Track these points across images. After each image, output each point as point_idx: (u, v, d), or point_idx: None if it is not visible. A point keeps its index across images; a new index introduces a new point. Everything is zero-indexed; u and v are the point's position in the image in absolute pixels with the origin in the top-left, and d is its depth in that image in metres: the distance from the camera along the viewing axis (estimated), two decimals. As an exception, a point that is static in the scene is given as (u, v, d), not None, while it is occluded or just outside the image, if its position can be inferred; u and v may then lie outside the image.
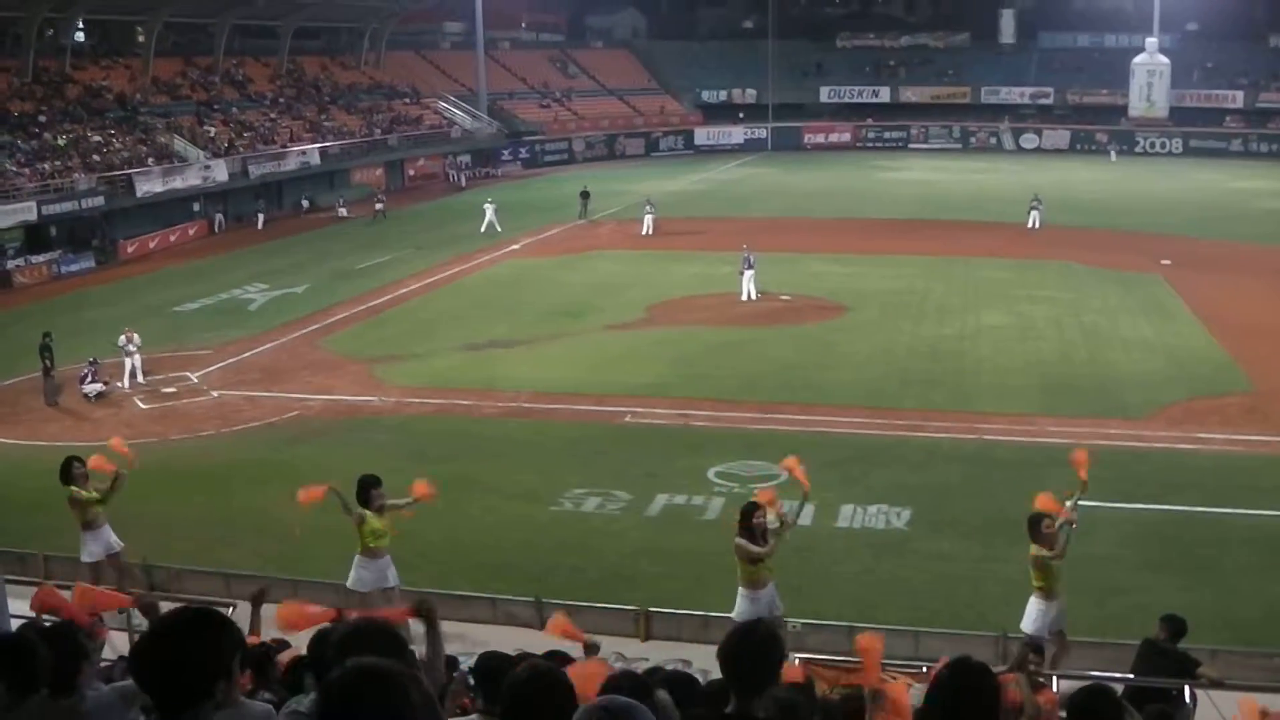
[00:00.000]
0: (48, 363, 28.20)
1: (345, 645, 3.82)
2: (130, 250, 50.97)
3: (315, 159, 66.03)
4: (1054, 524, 13.35)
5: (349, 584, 15.03)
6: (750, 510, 13.70)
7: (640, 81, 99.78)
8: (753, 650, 4.38)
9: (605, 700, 3.42)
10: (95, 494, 15.97)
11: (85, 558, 16.05)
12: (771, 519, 13.63)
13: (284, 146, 65.25)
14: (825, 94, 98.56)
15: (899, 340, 32.00)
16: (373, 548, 14.92)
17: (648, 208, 51.18)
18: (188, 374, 30.26)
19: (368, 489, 14.85)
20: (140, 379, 29.17)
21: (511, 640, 12.68)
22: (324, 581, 16.12)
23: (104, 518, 16.18)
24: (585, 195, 56.56)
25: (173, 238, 54.10)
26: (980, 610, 15.74)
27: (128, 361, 29.04)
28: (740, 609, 13.55)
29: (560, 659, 6.63)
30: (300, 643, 8.13)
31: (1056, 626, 13.50)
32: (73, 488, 15.92)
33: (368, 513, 14.78)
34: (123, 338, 29.22)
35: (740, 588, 13.70)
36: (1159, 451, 23.10)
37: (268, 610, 8.31)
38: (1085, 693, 6.73)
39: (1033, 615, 13.40)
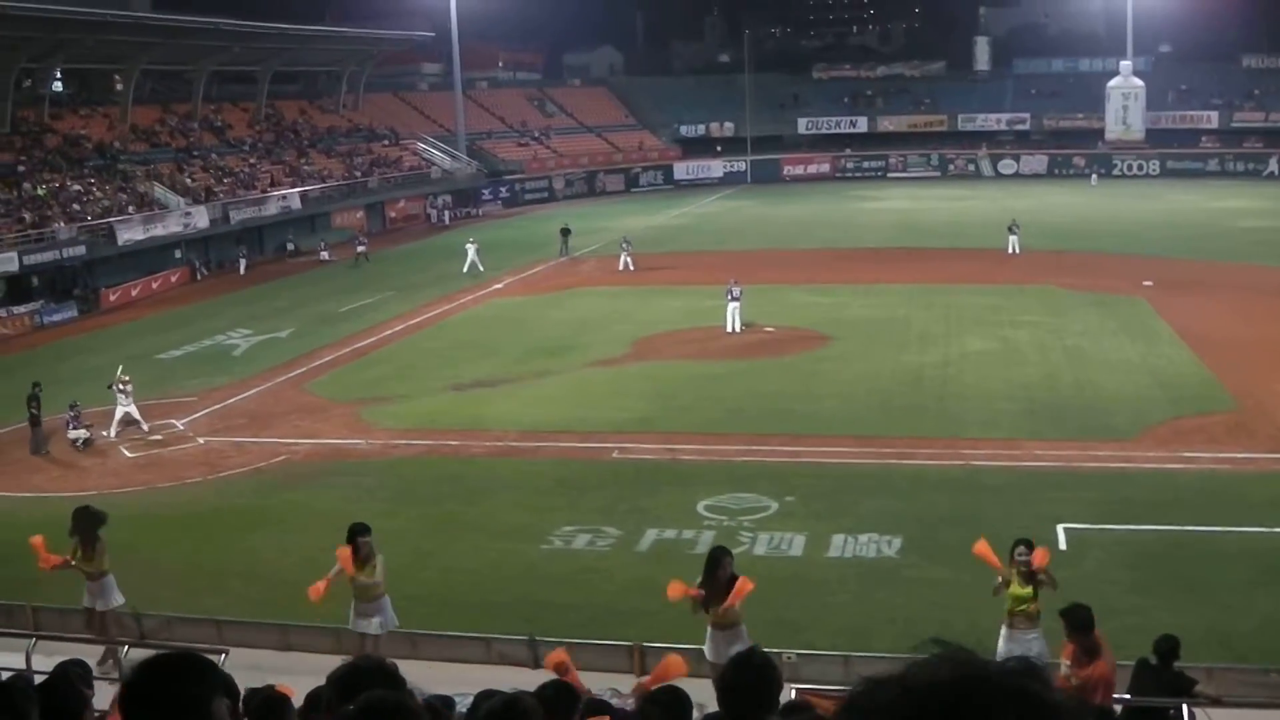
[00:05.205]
0: (34, 412, 28.01)
1: (345, 684, 3.80)
2: (113, 299, 50.85)
3: (296, 203, 66.05)
4: (1028, 554, 13.53)
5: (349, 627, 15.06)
6: (717, 558, 13.83)
7: (618, 118, 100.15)
8: (751, 678, 4.37)
9: None
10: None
11: (99, 605, 15.95)
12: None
13: (264, 191, 65.28)
14: (803, 125, 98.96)
15: (883, 369, 32.01)
16: (359, 598, 14.88)
17: (624, 245, 51.19)
18: (173, 421, 30.13)
19: (355, 536, 14.76)
20: (144, 425, 28.92)
21: (507, 679, 12.60)
22: (313, 625, 16.05)
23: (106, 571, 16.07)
24: (565, 233, 56.54)
25: (155, 285, 53.99)
26: (976, 637, 15.67)
27: (119, 409, 28.86)
28: (707, 649, 13.67)
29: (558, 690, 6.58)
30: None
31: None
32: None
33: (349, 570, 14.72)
34: (118, 383, 28.96)
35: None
36: (1146, 472, 23.12)
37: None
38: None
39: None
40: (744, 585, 13.56)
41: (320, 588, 14.81)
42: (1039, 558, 13.51)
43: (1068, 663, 11.09)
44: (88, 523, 16.13)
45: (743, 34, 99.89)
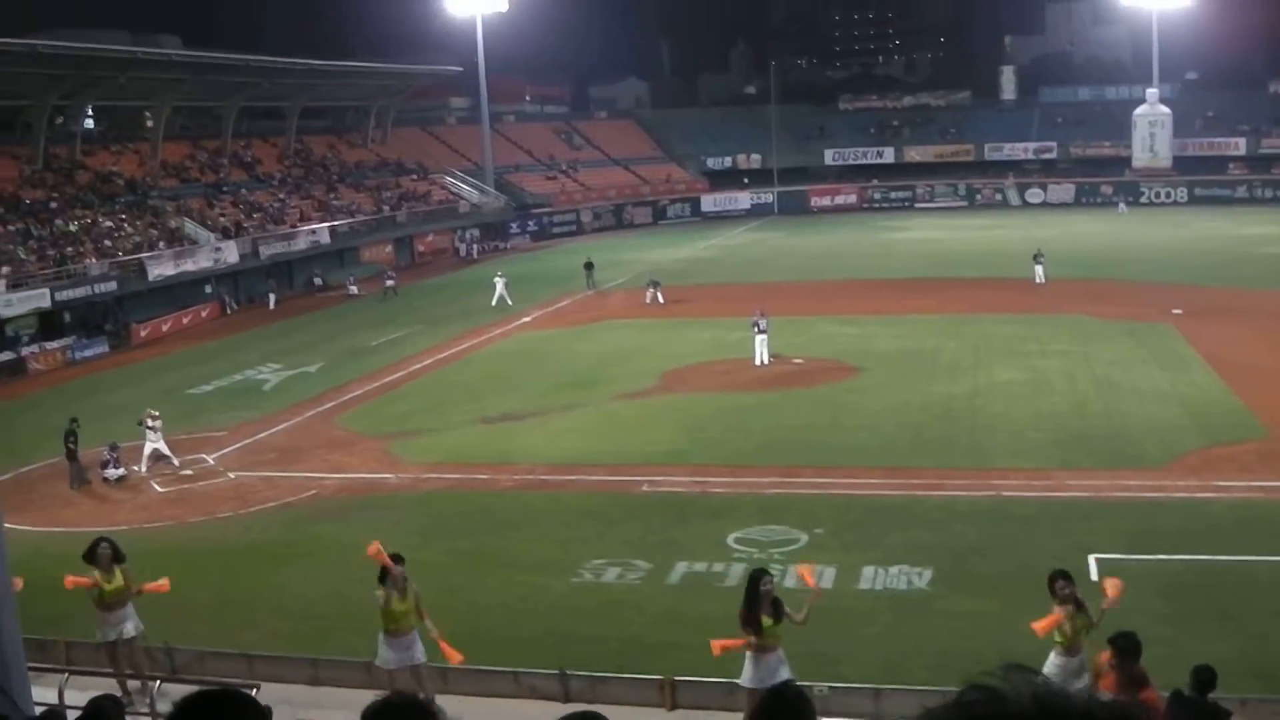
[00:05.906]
0: (71, 446, 28.17)
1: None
2: (143, 334, 51.23)
3: (325, 238, 66.46)
4: (1070, 586, 13.21)
5: (376, 662, 14.91)
6: (757, 577, 13.77)
7: (645, 150, 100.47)
8: (784, 712, 4.37)
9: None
10: (114, 583, 15.88)
11: (126, 632, 15.95)
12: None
13: (293, 226, 65.72)
14: (830, 156, 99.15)
15: (912, 399, 31.94)
16: (392, 629, 14.80)
17: (649, 283, 51.12)
18: (204, 456, 30.28)
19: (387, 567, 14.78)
20: (174, 460, 29.04)
21: (537, 713, 12.62)
22: (345, 659, 16.06)
23: (126, 600, 16.06)
24: (589, 266, 56.73)
25: (185, 320, 54.40)
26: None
27: (148, 445, 29.00)
28: (745, 674, 13.60)
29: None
30: None
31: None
32: (95, 572, 15.88)
33: (391, 594, 14.65)
34: (147, 419, 29.12)
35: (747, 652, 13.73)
36: (1178, 501, 22.96)
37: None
38: None
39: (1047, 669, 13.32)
40: None
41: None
42: (1113, 591, 13.26)
43: (1109, 693, 10.96)
44: (113, 551, 16.20)
45: (769, 66, 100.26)
